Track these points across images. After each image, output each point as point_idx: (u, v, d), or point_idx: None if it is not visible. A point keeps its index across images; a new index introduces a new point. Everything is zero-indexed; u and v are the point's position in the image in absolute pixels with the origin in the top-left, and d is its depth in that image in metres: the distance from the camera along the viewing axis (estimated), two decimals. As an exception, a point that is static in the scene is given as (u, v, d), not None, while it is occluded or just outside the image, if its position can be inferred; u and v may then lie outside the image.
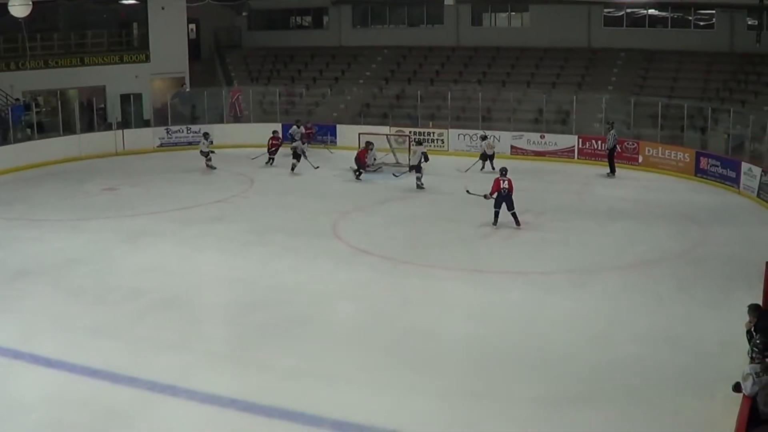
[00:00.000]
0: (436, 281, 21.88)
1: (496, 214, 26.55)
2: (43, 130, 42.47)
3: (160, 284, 22.12)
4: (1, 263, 24.29)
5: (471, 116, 41.72)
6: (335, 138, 42.14)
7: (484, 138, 36.75)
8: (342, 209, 29.43)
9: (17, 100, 42.94)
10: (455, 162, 37.97)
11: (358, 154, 34.99)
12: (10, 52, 45.24)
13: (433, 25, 50.85)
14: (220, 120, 45.24)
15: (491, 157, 36.14)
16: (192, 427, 14.63)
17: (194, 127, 43.71)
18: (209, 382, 16.01)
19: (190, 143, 42.71)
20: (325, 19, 54.67)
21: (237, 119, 46.00)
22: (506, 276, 22.24)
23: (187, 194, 32.06)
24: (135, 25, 49.43)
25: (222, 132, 43.10)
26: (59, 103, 43.66)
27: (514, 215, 26.45)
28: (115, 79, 45.94)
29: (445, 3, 45.31)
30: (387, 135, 38.12)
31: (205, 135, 37.15)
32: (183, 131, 43.63)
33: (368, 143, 35.37)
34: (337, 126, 42.65)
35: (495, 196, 26.47)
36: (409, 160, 35.02)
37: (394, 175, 34.67)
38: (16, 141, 40.39)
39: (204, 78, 49.49)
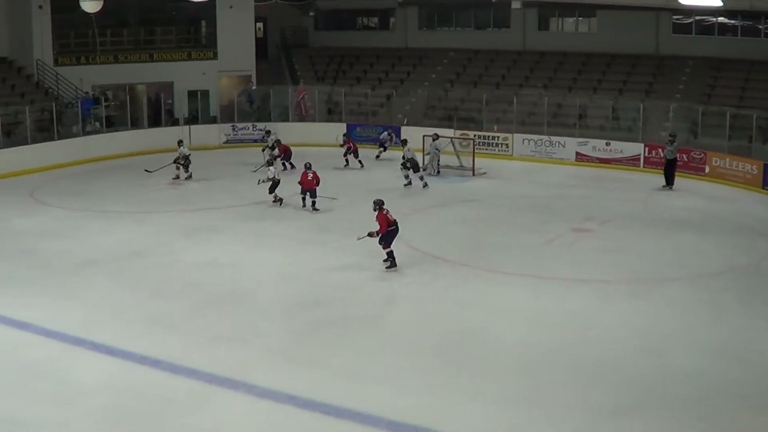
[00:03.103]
0: (494, 285, 21.84)
1: (391, 254, 23.05)
2: (111, 124, 43.08)
3: (219, 278, 22.45)
4: (67, 252, 24.88)
5: (536, 121, 41.47)
6: (399, 139, 42.05)
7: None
8: (402, 211, 29.28)
9: (87, 93, 43.58)
10: (519, 166, 37.90)
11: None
12: (81, 46, 46.14)
13: (499, 29, 50.56)
14: (286, 118, 45.44)
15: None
16: (249, 420, 14.81)
17: (260, 125, 44.06)
18: (268, 377, 16.22)
19: (255, 140, 43.00)
20: (392, 20, 54.61)
21: (302, 118, 46.12)
22: (565, 283, 22.07)
23: (250, 191, 32.17)
24: (203, 22, 49.94)
25: (287, 130, 43.30)
26: (128, 97, 44.23)
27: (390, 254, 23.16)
28: (183, 75, 46.47)
29: (512, 7, 45.22)
30: (451, 138, 38.02)
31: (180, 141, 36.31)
32: (248, 128, 43.94)
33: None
34: (402, 128, 42.57)
35: (382, 234, 22.85)
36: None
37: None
38: (85, 134, 41.04)
39: (270, 76, 49.67)
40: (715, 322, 19.31)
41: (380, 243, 23.02)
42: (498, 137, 40.76)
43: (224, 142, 43.04)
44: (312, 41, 55.56)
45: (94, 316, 19.90)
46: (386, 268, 23.01)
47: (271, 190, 30.43)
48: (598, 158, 38.53)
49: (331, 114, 46.28)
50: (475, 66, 49.01)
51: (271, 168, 30.77)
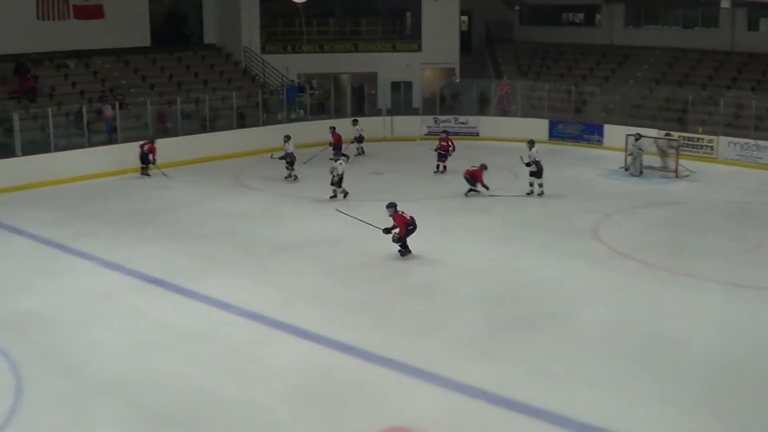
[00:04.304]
0: (694, 292, 21.29)
1: (404, 245, 23.72)
2: (315, 112, 43.93)
3: (417, 269, 22.78)
4: (268, 236, 25.85)
5: (743, 124, 40.30)
6: (602, 138, 41.72)
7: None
8: (604, 210, 29.09)
9: (292, 81, 44.67)
10: (724, 170, 36.91)
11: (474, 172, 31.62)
12: (288, 35, 47.58)
13: (707, 28, 49.18)
14: (488, 112, 45.43)
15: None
16: (439, 412, 14.91)
17: (462, 118, 44.23)
18: (459, 369, 16.34)
19: (457, 133, 43.15)
20: (597, 16, 53.90)
21: (504, 113, 46.04)
22: (765, 293, 21.29)
23: (450, 184, 32.36)
24: (408, 14, 50.48)
25: (489, 125, 43.40)
26: (332, 86, 45.11)
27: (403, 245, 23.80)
28: (387, 66, 47.19)
29: (721, 6, 44.09)
30: (654, 138, 37.37)
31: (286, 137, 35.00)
32: (450, 121, 44.10)
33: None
34: (605, 126, 42.15)
35: (400, 234, 23.62)
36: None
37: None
38: (290, 121, 42.00)
39: (473, 70, 49.79)
40: None
41: (396, 241, 23.54)
42: (702, 139, 39.77)
43: (425, 134, 43.37)
44: (516, 35, 55.37)
45: (292, 299, 20.51)
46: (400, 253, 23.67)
47: (338, 183, 30.46)
48: (806, 165, 37.22)
49: (533, 109, 45.99)
50: (682, 65, 47.97)
51: (341, 160, 30.74)
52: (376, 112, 45.18)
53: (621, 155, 36.24)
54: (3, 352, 17.26)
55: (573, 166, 36.51)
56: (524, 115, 44.80)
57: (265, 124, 41.32)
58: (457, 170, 32.92)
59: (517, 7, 54.99)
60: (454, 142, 36.22)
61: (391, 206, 23.74)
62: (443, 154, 35.52)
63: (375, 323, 18.97)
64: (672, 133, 38.15)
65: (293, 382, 15.98)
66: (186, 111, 39.64)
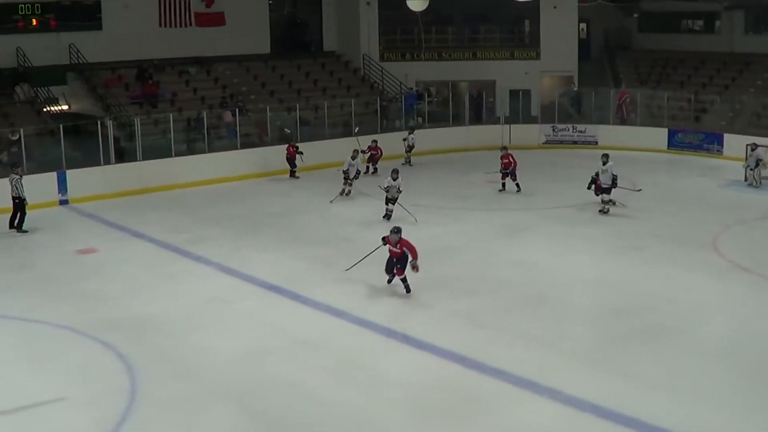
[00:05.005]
0: (816, 306, 20.75)
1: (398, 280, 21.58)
2: (433, 120, 43.98)
3: (531, 279, 22.66)
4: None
5: None
6: (722, 147, 40.99)
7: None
8: (723, 221, 28.56)
9: (411, 89, 44.88)
10: None
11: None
12: (407, 43, 47.93)
13: (831, 34, 48.25)
14: (607, 121, 44.95)
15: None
16: (549, 426, 14.86)
17: (580, 127, 43.89)
18: (572, 383, 16.17)
19: (575, 142, 42.92)
20: (717, 23, 53.00)
21: (623, 121, 45.52)
22: None
23: (568, 193, 32.10)
24: (527, 22, 50.30)
25: (608, 133, 42.93)
26: (450, 94, 45.22)
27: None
28: (505, 74, 47.15)
29: None
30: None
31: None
32: (569, 130, 43.83)
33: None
34: (725, 135, 41.41)
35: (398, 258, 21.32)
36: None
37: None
38: (408, 128, 42.01)
39: (592, 78, 49.28)
40: None
41: (398, 267, 21.39)
42: (826, 149, 38.88)
43: (544, 143, 43.16)
44: (635, 43, 54.70)
45: (406, 308, 20.66)
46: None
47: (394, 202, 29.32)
48: None
49: (652, 118, 45.38)
50: (804, 73, 46.95)
51: (400, 178, 29.46)
52: (494, 120, 45.02)
53: (741, 165, 35.55)
54: (120, 355, 17.71)
55: (692, 176, 36.00)
56: (643, 124, 44.28)
57: (383, 131, 41.41)
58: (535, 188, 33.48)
59: (636, 15, 54.33)
60: (514, 157, 33.72)
61: (399, 231, 21.26)
62: (507, 172, 33.49)
63: (488, 334, 18.96)
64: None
65: (406, 391, 16.05)
66: (305, 118, 40.06)
